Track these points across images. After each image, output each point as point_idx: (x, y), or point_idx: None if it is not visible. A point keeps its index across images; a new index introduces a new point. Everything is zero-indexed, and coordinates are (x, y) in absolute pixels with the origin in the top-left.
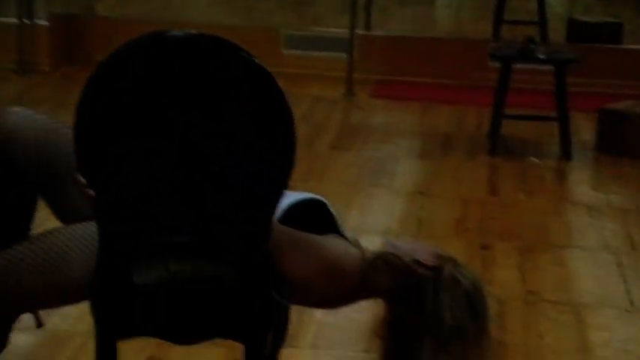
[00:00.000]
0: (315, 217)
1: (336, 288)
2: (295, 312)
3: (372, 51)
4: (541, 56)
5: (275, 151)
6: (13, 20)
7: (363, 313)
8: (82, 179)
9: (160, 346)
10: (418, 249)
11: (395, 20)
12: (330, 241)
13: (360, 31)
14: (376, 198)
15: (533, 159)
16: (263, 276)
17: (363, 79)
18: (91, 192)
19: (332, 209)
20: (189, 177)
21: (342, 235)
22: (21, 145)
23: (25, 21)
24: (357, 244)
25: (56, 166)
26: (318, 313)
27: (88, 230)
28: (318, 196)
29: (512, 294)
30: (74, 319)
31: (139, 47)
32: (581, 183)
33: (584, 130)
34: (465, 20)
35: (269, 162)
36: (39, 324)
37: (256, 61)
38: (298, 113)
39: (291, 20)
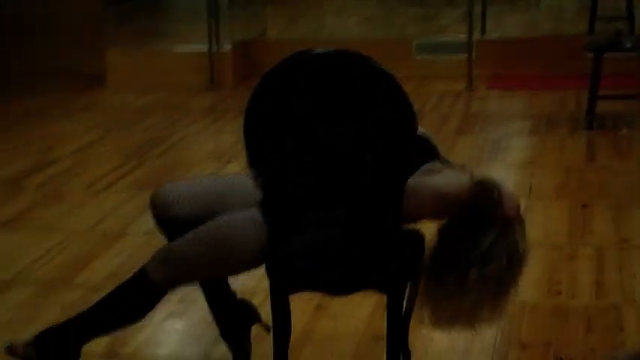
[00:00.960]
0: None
1: (447, 212)
2: None
3: (487, 51)
4: (628, 45)
5: (398, 138)
6: (204, 46)
7: None
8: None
9: (324, 296)
10: (510, 198)
11: (506, 24)
12: (444, 178)
13: (476, 36)
14: (494, 169)
15: (624, 131)
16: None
17: (481, 75)
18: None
19: (434, 141)
20: (334, 166)
21: (446, 161)
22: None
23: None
24: (463, 169)
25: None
26: None
27: (250, 213)
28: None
29: (609, 242)
30: (258, 278)
31: (289, 63)
32: None
33: None
34: (565, 19)
35: (395, 148)
36: (268, 329)
37: (382, 67)
38: (428, 106)
39: (420, 31)
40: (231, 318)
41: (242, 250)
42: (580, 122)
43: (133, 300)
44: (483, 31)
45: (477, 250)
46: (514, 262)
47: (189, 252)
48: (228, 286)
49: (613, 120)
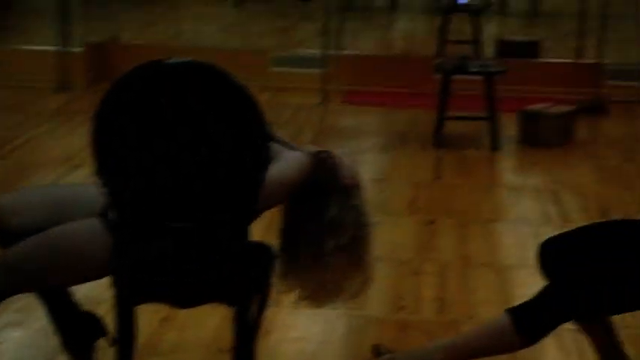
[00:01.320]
0: None
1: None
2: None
3: (342, 67)
4: (473, 69)
5: (251, 148)
6: (55, 47)
7: None
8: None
9: (171, 308)
10: (348, 166)
11: (362, 41)
12: (285, 163)
13: (332, 51)
14: None
15: (471, 151)
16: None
17: (336, 90)
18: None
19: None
20: (183, 177)
21: (280, 140)
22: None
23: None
24: (296, 147)
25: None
26: None
27: (92, 222)
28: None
29: (452, 259)
30: (103, 287)
31: (142, 71)
32: (506, 169)
33: (509, 127)
34: (416, 40)
35: (248, 156)
36: (112, 342)
37: (235, 79)
38: (283, 118)
39: (278, 43)
40: (74, 329)
41: (81, 259)
42: (429, 140)
43: None
44: (339, 46)
45: (326, 220)
46: (362, 226)
47: (25, 260)
48: (69, 295)
49: (459, 139)
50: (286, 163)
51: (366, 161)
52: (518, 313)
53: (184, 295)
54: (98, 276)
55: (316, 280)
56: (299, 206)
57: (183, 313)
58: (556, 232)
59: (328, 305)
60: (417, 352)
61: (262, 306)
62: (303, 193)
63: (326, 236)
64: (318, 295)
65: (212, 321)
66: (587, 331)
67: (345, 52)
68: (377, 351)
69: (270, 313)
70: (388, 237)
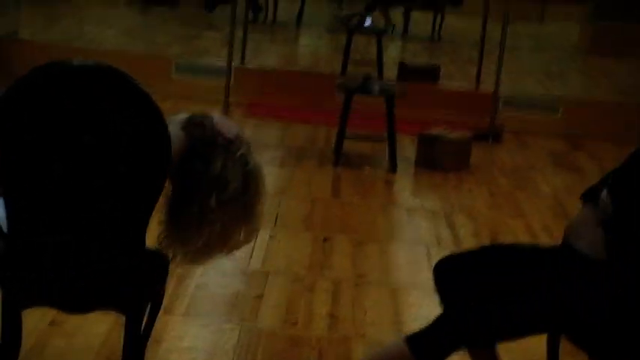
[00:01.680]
0: None
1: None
2: (170, 284)
3: (245, 79)
4: (375, 90)
5: (152, 155)
6: None
7: (228, 288)
8: None
9: (59, 312)
10: (225, 123)
11: (265, 56)
12: None
13: (235, 64)
14: None
15: (367, 170)
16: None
17: (238, 102)
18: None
19: None
20: (79, 182)
21: None
22: None
23: None
24: (170, 119)
25: None
26: (192, 287)
27: None
28: None
29: (345, 276)
30: None
31: (43, 72)
32: (403, 190)
33: (407, 149)
34: (320, 58)
35: (148, 165)
36: None
37: (138, 85)
38: None
39: (182, 50)
40: None
41: None
42: (328, 157)
43: None
44: (243, 58)
45: (210, 178)
46: (250, 178)
47: None
48: None
49: (358, 159)
50: None
51: (265, 176)
52: (414, 341)
53: (73, 300)
54: None
55: (205, 237)
56: (183, 169)
57: (73, 319)
58: (448, 254)
59: (213, 260)
60: None
61: (154, 314)
62: (187, 157)
63: (210, 193)
64: (202, 252)
65: (102, 327)
66: (475, 356)
67: (249, 65)
68: None
69: (161, 321)
70: (283, 251)
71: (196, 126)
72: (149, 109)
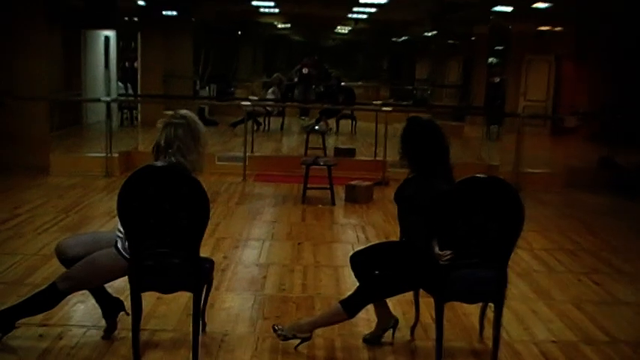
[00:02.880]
0: None
1: None
2: (217, 273)
3: (253, 161)
4: (321, 163)
5: (198, 212)
6: (102, 154)
7: (248, 274)
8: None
9: (160, 294)
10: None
11: (263, 148)
12: None
13: (248, 153)
14: (255, 223)
15: (320, 206)
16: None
17: (250, 174)
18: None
19: None
20: (167, 225)
21: None
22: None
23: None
24: None
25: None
26: (228, 274)
27: (110, 250)
28: None
29: (309, 263)
30: (125, 283)
31: (141, 171)
32: (339, 215)
33: (340, 192)
34: (292, 147)
35: (197, 217)
36: (127, 313)
37: (191, 176)
38: (223, 189)
39: (220, 149)
40: (108, 306)
41: (105, 270)
42: (298, 200)
43: (47, 298)
44: (252, 150)
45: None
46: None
47: (77, 273)
48: (104, 289)
49: (315, 199)
50: None
51: (265, 212)
52: (345, 302)
53: (167, 286)
54: (115, 278)
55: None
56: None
57: (168, 297)
58: (361, 247)
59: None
60: (294, 325)
61: (208, 291)
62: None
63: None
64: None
65: (182, 299)
66: (376, 307)
67: (255, 154)
68: (275, 328)
69: (212, 295)
70: (276, 252)
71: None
72: (198, 188)
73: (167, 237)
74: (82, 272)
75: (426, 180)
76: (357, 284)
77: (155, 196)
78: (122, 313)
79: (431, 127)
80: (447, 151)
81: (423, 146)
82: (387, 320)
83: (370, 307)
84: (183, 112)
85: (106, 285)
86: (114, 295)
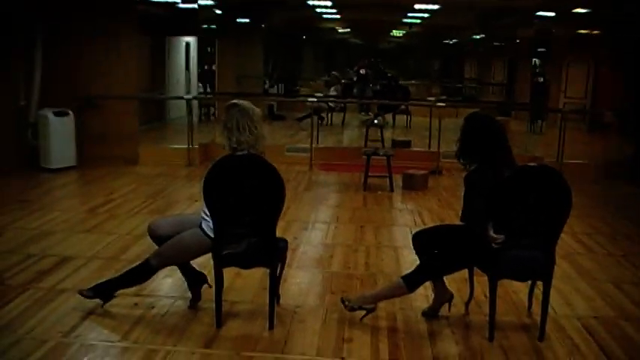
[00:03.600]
0: None
1: None
2: (289, 253)
3: (319, 152)
4: (381, 153)
5: (275, 197)
6: (184, 146)
7: (315, 253)
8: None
9: (239, 269)
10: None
11: (327, 140)
12: None
13: (314, 145)
14: (321, 207)
15: (379, 192)
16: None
17: (315, 163)
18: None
19: None
20: (247, 208)
21: None
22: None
23: (190, 146)
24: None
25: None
26: (298, 253)
27: (195, 230)
28: None
29: (372, 244)
30: (207, 259)
31: (224, 159)
32: (397, 201)
33: (398, 180)
34: (354, 140)
35: (274, 201)
36: (210, 285)
37: (269, 164)
38: (292, 177)
39: (288, 141)
40: (192, 279)
41: (191, 248)
42: (360, 187)
43: (141, 273)
44: (317, 142)
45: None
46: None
47: (167, 251)
48: (189, 264)
49: (375, 187)
50: None
51: (330, 197)
52: (406, 278)
53: (246, 262)
54: (200, 255)
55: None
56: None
57: (245, 272)
58: (418, 230)
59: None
60: (360, 297)
61: (282, 267)
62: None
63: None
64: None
65: (258, 274)
66: (435, 285)
67: (320, 145)
68: (342, 300)
69: (285, 271)
70: (341, 234)
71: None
72: (274, 173)
73: (247, 218)
74: (171, 250)
75: (491, 168)
76: (416, 262)
77: (237, 182)
78: (205, 285)
79: (489, 121)
80: (507, 140)
81: (485, 140)
82: (443, 295)
83: (428, 284)
84: (234, 100)
85: (191, 261)
86: (198, 269)
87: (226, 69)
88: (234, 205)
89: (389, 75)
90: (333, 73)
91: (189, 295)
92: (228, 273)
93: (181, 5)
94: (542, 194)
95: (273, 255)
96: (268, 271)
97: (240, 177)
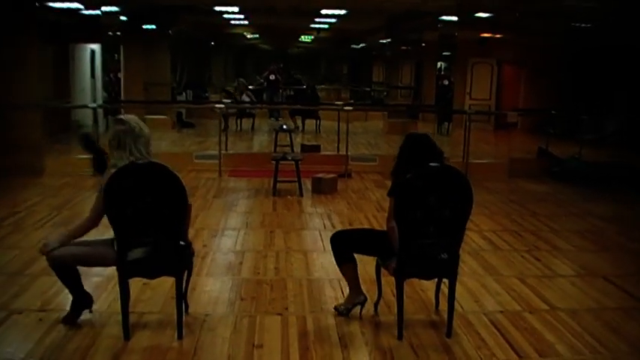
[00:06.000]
0: None
1: None
2: (197, 260)
3: (228, 159)
4: (289, 158)
5: (177, 204)
6: None
7: (226, 260)
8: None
9: (146, 279)
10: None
11: (237, 146)
12: None
13: (223, 151)
14: (230, 214)
15: (289, 197)
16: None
17: (225, 170)
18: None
19: None
20: (149, 217)
21: None
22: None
23: None
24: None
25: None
26: (208, 260)
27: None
28: None
29: (281, 248)
30: (112, 270)
31: (125, 167)
32: (307, 205)
33: (307, 185)
34: (264, 145)
35: (176, 208)
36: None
37: (170, 171)
38: (201, 184)
39: (198, 148)
40: (78, 299)
41: (98, 253)
42: (269, 192)
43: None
44: (226, 148)
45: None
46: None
47: (74, 249)
48: (81, 282)
49: (284, 192)
50: None
51: (239, 204)
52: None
53: (151, 272)
54: (105, 265)
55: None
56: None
57: (154, 282)
58: (329, 234)
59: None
60: (347, 298)
61: (189, 276)
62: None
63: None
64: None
65: (167, 284)
66: (349, 279)
67: (229, 152)
68: (336, 308)
69: (194, 279)
70: (251, 239)
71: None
72: (174, 180)
73: (149, 227)
74: (78, 249)
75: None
76: (325, 267)
77: (137, 191)
78: (87, 310)
79: (425, 139)
80: (441, 156)
81: (420, 156)
82: (357, 296)
83: (344, 284)
84: (121, 116)
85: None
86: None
87: (133, 76)
88: (136, 214)
89: (300, 79)
90: (241, 79)
91: (98, 307)
92: (136, 284)
93: (85, 12)
94: (444, 194)
95: (178, 263)
96: (175, 279)
97: (140, 186)
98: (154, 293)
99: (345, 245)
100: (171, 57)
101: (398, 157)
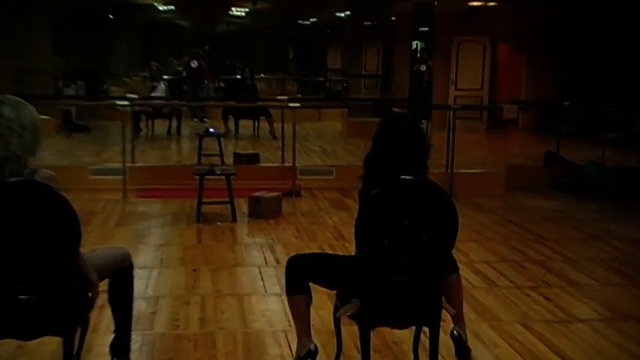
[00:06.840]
0: None
1: None
2: (94, 312)
3: (135, 174)
4: (218, 172)
5: (65, 236)
6: None
7: (134, 310)
8: None
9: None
10: None
11: (148, 156)
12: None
13: (129, 164)
14: (140, 248)
15: (218, 224)
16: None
17: (132, 189)
18: None
19: None
20: (24, 255)
21: None
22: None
23: None
24: None
25: None
26: (108, 313)
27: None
28: None
29: (208, 292)
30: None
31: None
32: (242, 233)
33: (242, 206)
34: (183, 155)
35: (63, 242)
36: None
37: (55, 191)
38: (98, 208)
39: (95, 160)
40: None
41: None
42: (192, 218)
43: None
44: (133, 160)
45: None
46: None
47: None
48: None
49: (212, 216)
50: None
51: (152, 234)
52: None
53: (27, 332)
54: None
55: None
56: None
57: (31, 344)
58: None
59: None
60: (296, 351)
61: (83, 333)
62: None
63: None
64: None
65: (50, 345)
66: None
67: (138, 164)
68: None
69: (91, 337)
70: (167, 281)
71: None
72: (61, 204)
73: (25, 270)
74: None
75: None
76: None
77: (7, 220)
78: None
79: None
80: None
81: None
82: (307, 341)
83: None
84: None
85: None
86: None
87: None
88: (4, 251)
89: (238, 66)
90: (153, 64)
91: None
92: (7, 346)
93: None
94: (421, 215)
95: (67, 318)
96: (62, 340)
97: (11, 212)
98: (31, 358)
99: (302, 271)
100: (53, 36)
101: (371, 150)
